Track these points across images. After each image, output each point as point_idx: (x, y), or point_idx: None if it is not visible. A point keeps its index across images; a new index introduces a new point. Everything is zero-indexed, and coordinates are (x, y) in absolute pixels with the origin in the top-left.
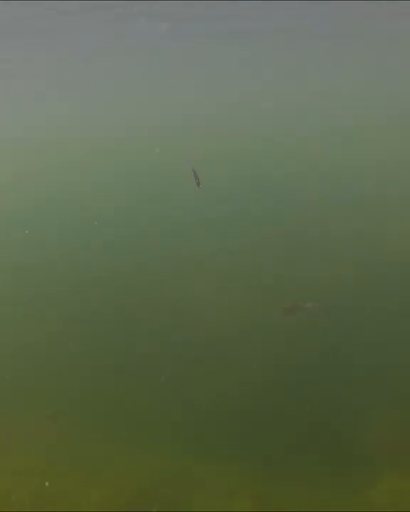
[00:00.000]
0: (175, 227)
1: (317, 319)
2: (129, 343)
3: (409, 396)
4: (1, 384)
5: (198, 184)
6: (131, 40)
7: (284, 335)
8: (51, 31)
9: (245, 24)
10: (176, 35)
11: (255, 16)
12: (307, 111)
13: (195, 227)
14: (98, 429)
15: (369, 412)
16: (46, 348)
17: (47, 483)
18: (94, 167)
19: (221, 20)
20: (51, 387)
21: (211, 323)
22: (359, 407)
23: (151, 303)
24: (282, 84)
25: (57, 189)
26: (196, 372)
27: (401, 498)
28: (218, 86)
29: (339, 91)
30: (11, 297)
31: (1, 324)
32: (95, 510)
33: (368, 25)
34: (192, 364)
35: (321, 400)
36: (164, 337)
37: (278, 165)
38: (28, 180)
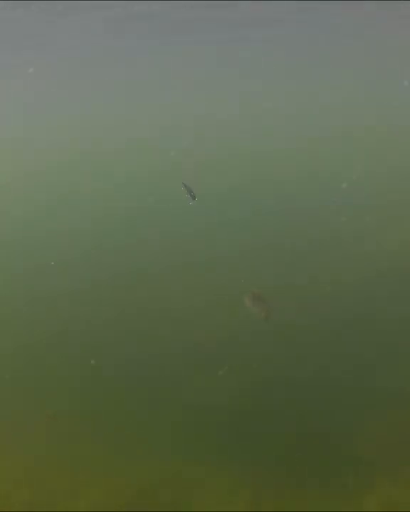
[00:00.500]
0: (176, 230)
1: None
2: (129, 344)
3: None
4: (1, 384)
5: (193, 197)
6: (129, 40)
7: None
8: (47, 33)
9: (244, 24)
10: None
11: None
12: (306, 114)
13: (196, 231)
14: (98, 430)
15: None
16: (47, 349)
17: None
18: (93, 169)
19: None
20: (51, 387)
21: (207, 327)
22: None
23: (150, 305)
24: (282, 86)
25: (55, 191)
26: (197, 372)
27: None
28: (216, 87)
29: (340, 93)
30: (11, 298)
31: (1, 325)
32: (95, 511)
33: (368, 26)
34: (193, 365)
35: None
36: (164, 338)
37: (276, 169)
38: (26, 182)
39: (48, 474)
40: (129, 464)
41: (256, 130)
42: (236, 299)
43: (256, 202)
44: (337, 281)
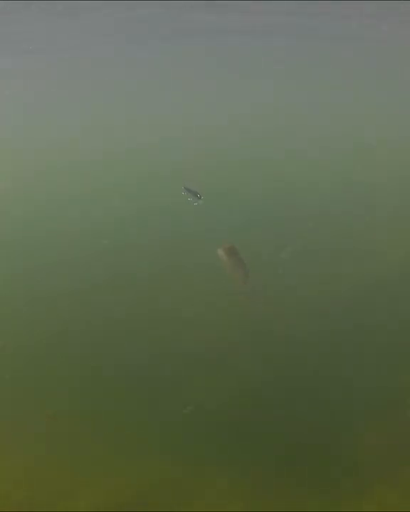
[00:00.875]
0: (177, 231)
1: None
2: (129, 345)
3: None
4: (1, 384)
5: (199, 197)
6: (129, 40)
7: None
8: (46, 32)
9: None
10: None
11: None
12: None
13: (197, 232)
14: (98, 430)
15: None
16: (47, 349)
17: None
18: (93, 170)
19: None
20: (51, 388)
21: (207, 328)
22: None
23: (150, 305)
24: (283, 87)
25: (55, 192)
26: (197, 373)
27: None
28: (217, 88)
29: (343, 95)
30: (10, 300)
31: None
32: (94, 511)
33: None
34: (193, 365)
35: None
36: (164, 339)
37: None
38: (24, 182)
39: (47, 474)
40: (129, 464)
41: (257, 132)
42: (236, 300)
43: (256, 205)
44: (339, 285)
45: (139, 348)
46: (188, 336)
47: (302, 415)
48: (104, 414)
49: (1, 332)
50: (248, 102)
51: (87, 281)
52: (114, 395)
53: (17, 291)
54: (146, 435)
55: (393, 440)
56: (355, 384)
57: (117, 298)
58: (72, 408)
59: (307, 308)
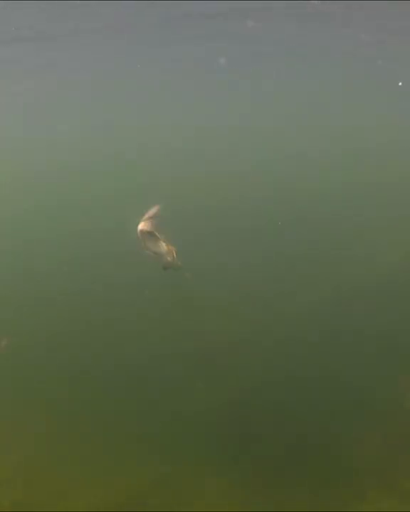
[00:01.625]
0: (177, 236)
1: None
2: (130, 345)
3: None
4: (1, 384)
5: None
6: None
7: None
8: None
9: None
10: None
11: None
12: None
13: (196, 236)
14: (97, 431)
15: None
16: (46, 349)
17: None
18: (91, 174)
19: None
20: (51, 388)
21: (207, 330)
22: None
23: (150, 306)
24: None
25: (52, 195)
26: (197, 373)
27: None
28: (217, 94)
29: (346, 97)
30: (10, 300)
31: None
32: (94, 511)
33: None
34: (193, 366)
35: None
36: (164, 339)
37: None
38: (27, 184)
39: (46, 474)
40: (129, 464)
41: (258, 140)
42: (235, 303)
43: (256, 211)
44: (338, 285)
45: (139, 348)
46: (188, 335)
47: (302, 415)
48: (104, 414)
49: (1, 332)
50: (247, 103)
51: (87, 282)
52: (114, 395)
53: (17, 291)
54: (145, 435)
55: (393, 440)
56: (355, 384)
57: (117, 298)
58: (72, 408)
59: (307, 309)
